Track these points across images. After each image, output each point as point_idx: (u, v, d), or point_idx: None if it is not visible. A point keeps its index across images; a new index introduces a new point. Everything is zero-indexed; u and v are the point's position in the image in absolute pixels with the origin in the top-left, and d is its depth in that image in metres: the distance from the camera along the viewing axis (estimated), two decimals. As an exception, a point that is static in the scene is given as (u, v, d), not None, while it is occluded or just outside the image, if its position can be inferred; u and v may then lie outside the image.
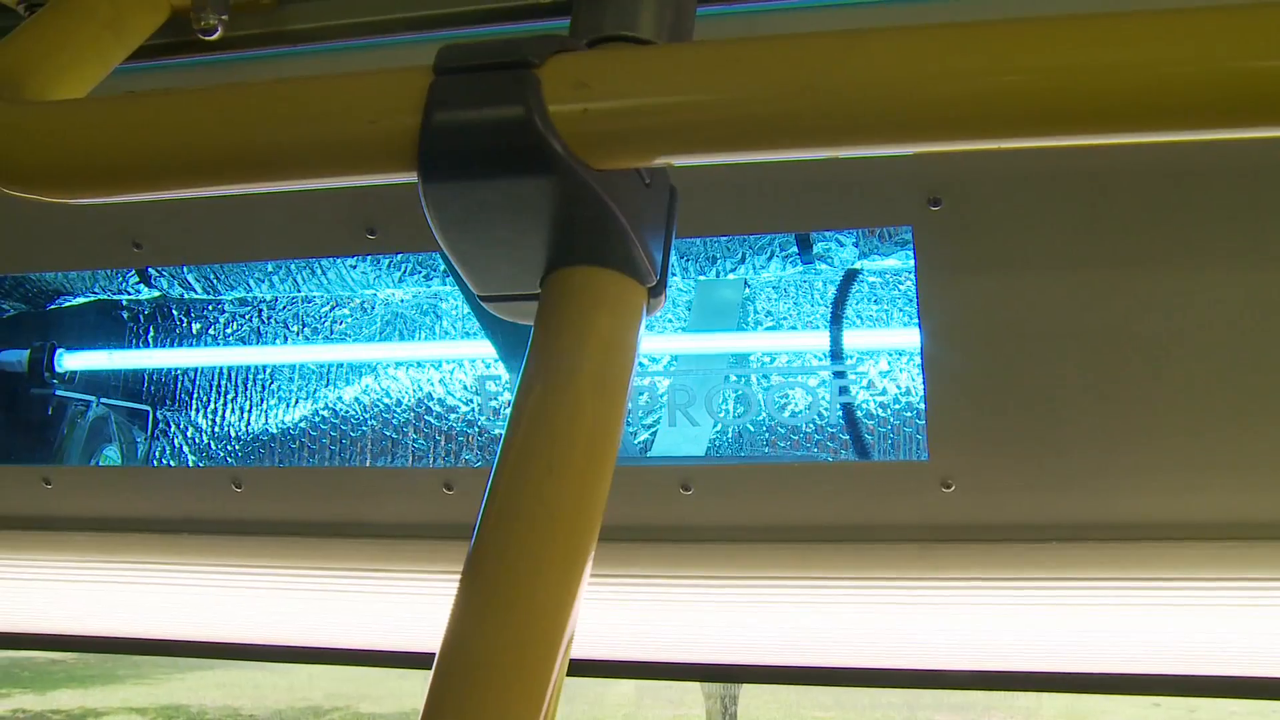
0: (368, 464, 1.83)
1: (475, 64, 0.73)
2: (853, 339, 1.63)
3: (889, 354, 1.65)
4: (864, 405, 1.64)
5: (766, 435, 1.67)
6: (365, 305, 1.87)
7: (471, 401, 1.79)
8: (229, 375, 1.96)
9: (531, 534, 0.70)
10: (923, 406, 1.61)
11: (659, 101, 0.73)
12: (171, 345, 1.99)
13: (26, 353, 1.87)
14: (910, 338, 1.62)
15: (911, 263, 1.48)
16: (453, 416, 1.80)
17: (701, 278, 1.58)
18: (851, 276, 1.63)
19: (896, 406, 1.64)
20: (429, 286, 1.62)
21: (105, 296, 1.81)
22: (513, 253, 0.79)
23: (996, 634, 1.28)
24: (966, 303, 1.14)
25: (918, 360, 1.62)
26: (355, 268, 1.56)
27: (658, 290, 0.82)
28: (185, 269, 1.64)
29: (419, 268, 1.54)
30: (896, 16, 1.07)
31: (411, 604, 1.39)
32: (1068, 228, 1.11)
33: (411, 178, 0.76)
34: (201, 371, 1.98)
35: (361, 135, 0.76)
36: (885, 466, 1.32)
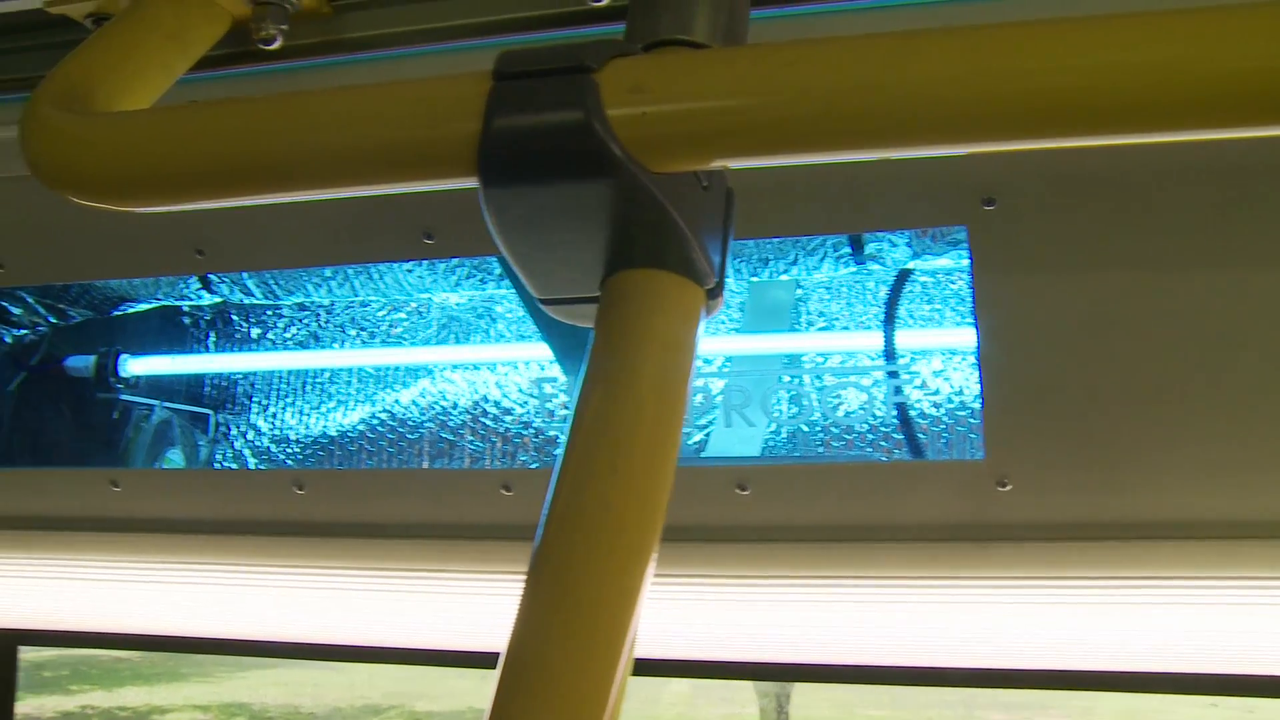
0: (425, 466, 1.84)
1: (534, 69, 0.74)
2: (905, 338, 1.62)
3: (942, 353, 1.64)
4: (917, 405, 1.63)
5: (820, 435, 1.67)
6: (421, 309, 1.88)
7: (527, 404, 1.79)
8: (288, 379, 1.97)
9: (594, 535, 0.70)
10: (976, 405, 1.60)
11: (716, 104, 0.73)
12: (231, 350, 2.01)
13: (93, 358, 1.90)
14: (963, 337, 1.60)
15: (964, 262, 1.47)
16: (508, 419, 1.80)
17: (754, 279, 1.58)
18: (904, 276, 1.62)
19: (950, 405, 1.63)
20: (484, 290, 1.62)
21: (168, 302, 1.83)
22: (572, 256, 0.79)
23: (1053, 632, 1.27)
24: (1022, 301, 1.12)
25: (971, 359, 1.60)
26: (411, 272, 1.57)
27: (716, 292, 0.82)
28: (245, 275, 1.65)
29: (475, 271, 1.55)
30: (950, 17, 1.06)
31: (470, 604, 1.39)
32: (1124, 226, 1.10)
33: (471, 183, 0.76)
34: (261, 375, 1.99)
35: (422, 141, 0.76)
36: (940, 466, 1.31)
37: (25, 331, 1.89)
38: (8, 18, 1.10)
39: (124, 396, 1.93)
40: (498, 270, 1.53)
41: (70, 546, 1.55)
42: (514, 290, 1.57)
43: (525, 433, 1.79)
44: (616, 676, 0.67)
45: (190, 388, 2.02)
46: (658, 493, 0.73)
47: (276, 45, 1.04)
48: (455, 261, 1.51)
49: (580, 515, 0.71)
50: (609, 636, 0.67)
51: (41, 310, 1.84)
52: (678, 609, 1.33)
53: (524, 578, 1.30)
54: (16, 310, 1.84)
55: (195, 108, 0.88)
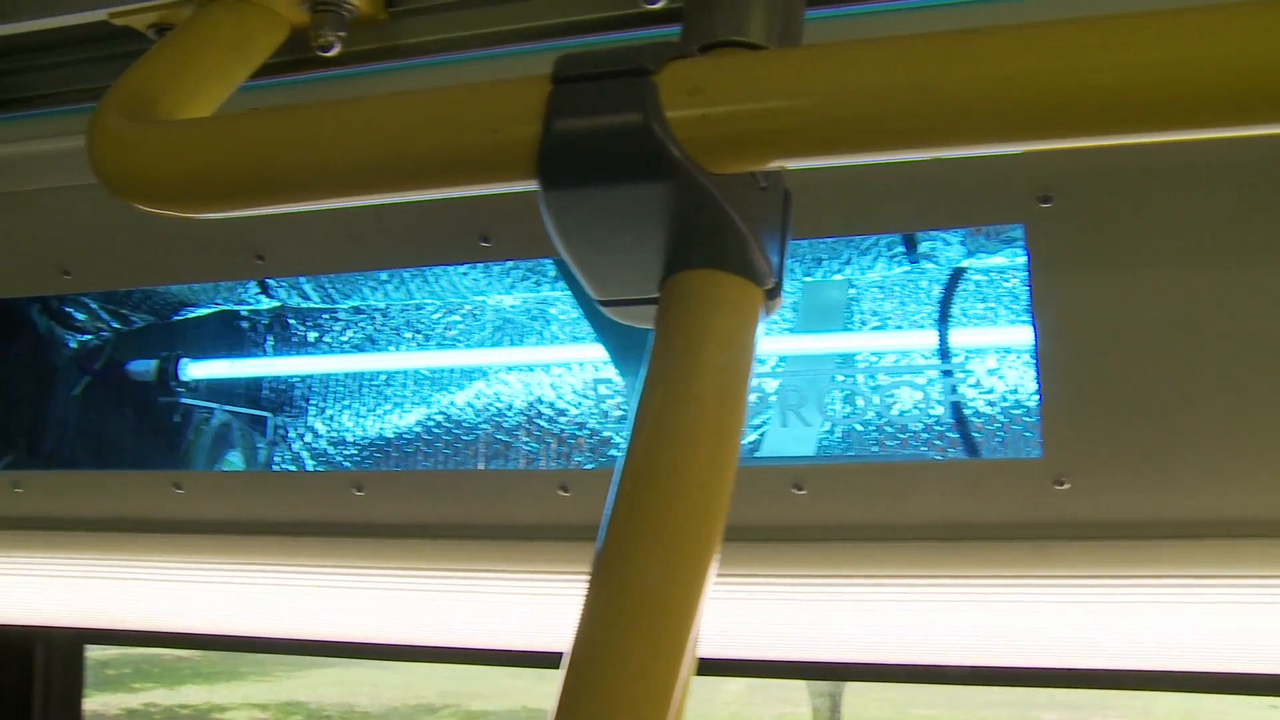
0: (480, 467, 1.85)
1: (593, 72, 0.74)
2: (960, 337, 1.61)
3: (996, 351, 1.63)
4: (972, 403, 1.61)
5: (874, 434, 1.66)
6: (475, 311, 1.89)
7: (582, 405, 1.79)
8: (344, 382, 1.99)
9: (657, 536, 0.70)
10: (1031, 404, 1.59)
11: (774, 105, 0.73)
12: (289, 353, 2.02)
13: (155, 362, 1.92)
14: (1019, 335, 1.59)
15: (1020, 260, 1.46)
16: (563, 420, 1.80)
17: (807, 279, 1.57)
18: (958, 275, 1.61)
19: (1004, 404, 1.61)
20: (538, 292, 1.63)
21: (227, 307, 1.85)
22: (631, 257, 0.79)
23: (1111, 632, 1.25)
24: (1081, 299, 1.11)
25: (1027, 357, 1.59)
26: (466, 275, 1.57)
27: (775, 292, 0.82)
28: (303, 279, 1.66)
29: (529, 274, 1.55)
30: (1004, 15, 1.05)
31: (527, 604, 1.39)
32: (1183, 222, 1.09)
33: (531, 186, 0.76)
34: (317, 378, 2.01)
35: (482, 145, 0.76)
36: (997, 464, 1.29)
37: (89, 337, 1.92)
38: (73, 30, 1.11)
39: (184, 400, 1.96)
40: (552, 272, 1.54)
41: (135, 547, 1.57)
42: (569, 291, 1.57)
43: (580, 433, 1.79)
44: (680, 677, 0.67)
45: (249, 391, 2.04)
46: (719, 493, 0.72)
47: (335, 52, 1.04)
48: (510, 264, 1.51)
49: (643, 516, 0.70)
50: (672, 637, 0.67)
51: (105, 315, 1.86)
52: (734, 608, 1.33)
53: (582, 578, 1.30)
54: (81, 316, 1.87)
55: (256, 115, 0.89)
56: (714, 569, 0.71)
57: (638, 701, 0.65)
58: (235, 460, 2.00)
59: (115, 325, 1.89)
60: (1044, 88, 0.68)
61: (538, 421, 1.82)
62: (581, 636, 0.67)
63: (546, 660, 1.59)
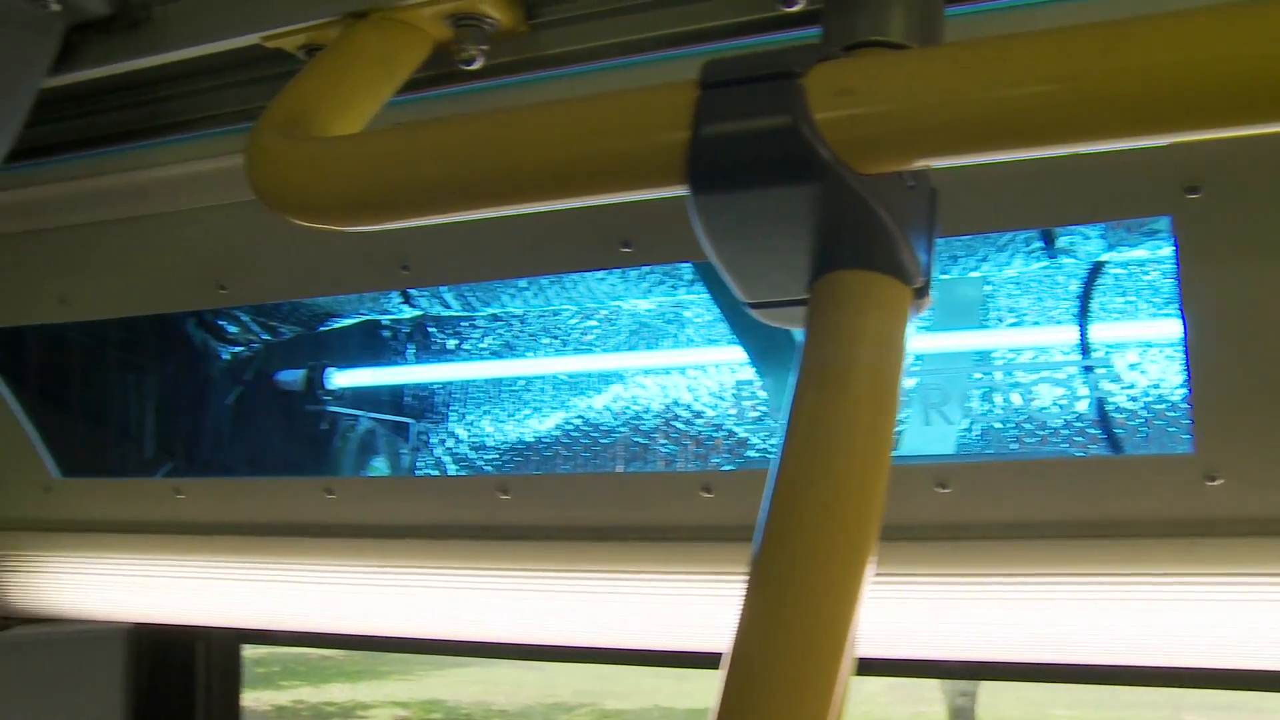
0: (619, 469, 1.85)
1: (741, 76, 0.73)
2: (1100, 332, 1.57)
3: (1138, 346, 1.58)
4: (1113, 398, 1.57)
5: (1013, 431, 1.62)
6: (611, 316, 1.90)
7: (718, 406, 1.79)
8: (484, 387, 2.01)
9: (814, 537, 0.69)
10: (1176, 398, 1.54)
11: (923, 104, 0.72)
12: (430, 361, 2.06)
13: (303, 372, 1.97)
14: (1162, 329, 1.55)
15: (1162, 252, 1.42)
16: (699, 421, 1.80)
17: (944, 276, 1.54)
18: (1098, 269, 1.57)
19: (1147, 399, 1.57)
20: (675, 295, 1.63)
21: (370, 317, 1.89)
22: (781, 259, 0.78)
23: (1268, 631, 1.21)
24: (1231, 291, 1.07)
25: (1169, 351, 1.55)
26: (604, 280, 1.58)
27: (924, 291, 0.81)
28: (444, 288, 1.69)
29: (666, 277, 1.55)
30: (1145, 5, 1.02)
31: (668, 604, 1.39)
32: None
33: (679, 191, 0.76)
34: (458, 385, 2.04)
35: (630, 152, 0.77)
36: (1145, 461, 1.26)
37: (241, 348, 1.97)
38: (227, 54, 1.14)
39: (331, 408, 2.00)
40: (688, 275, 1.54)
41: (289, 551, 1.61)
42: (706, 294, 1.57)
43: (717, 434, 1.79)
44: (840, 676, 0.66)
45: (392, 398, 2.08)
46: (875, 493, 0.72)
47: (478, 65, 1.05)
48: (646, 268, 1.52)
49: (799, 518, 0.70)
50: (833, 637, 0.67)
51: (255, 328, 1.92)
52: (877, 608, 1.31)
53: (726, 579, 1.30)
54: (233, 329, 1.92)
55: (405, 129, 0.91)
56: (871, 568, 0.70)
57: (800, 702, 0.65)
58: (380, 466, 2.04)
59: (265, 337, 1.94)
60: (1200, 76, 0.66)
61: (675, 423, 1.82)
62: (742, 638, 0.67)
63: (687, 660, 1.59)
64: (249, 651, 2.29)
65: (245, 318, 1.91)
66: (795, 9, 0.96)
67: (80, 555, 1.78)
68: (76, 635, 2.11)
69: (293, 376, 1.99)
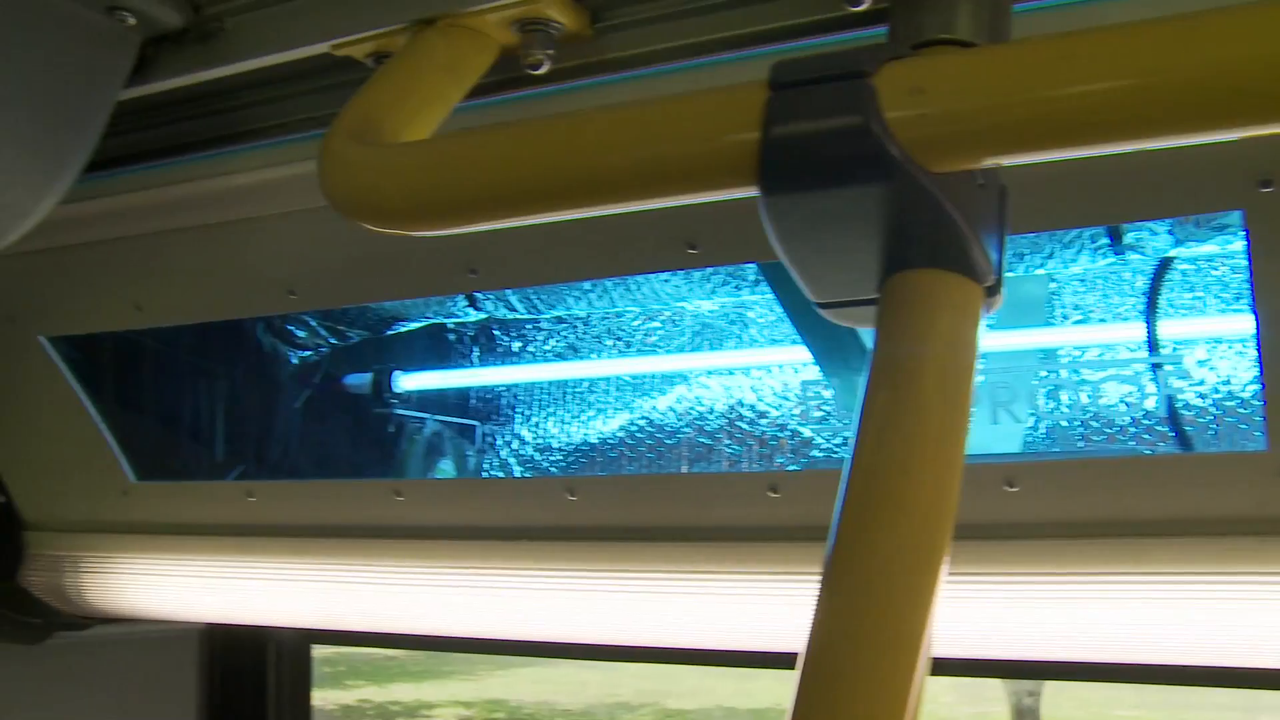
0: (684, 470, 1.85)
1: (811, 77, 0.73)
2: (1168, 328, 1.55)
3: (1207, 342, 1.56)
4: (1182, 395, 1.55)
5: (1079, 429, 1.61)
6: (675, 317, 1.90)
7: (782, 406, 1.78)
8: (548, 389, 2.02)
9: (889, 536, 0.69)
10: (1247, 395, 1.52)
11: (994, 102, 0.71)
12: (495, 363, 2.07)
13: (370, 375, 1.99)
14: (1232, 324, 1.52)
15: (1233, 247, 1.39)
16: (764, 421, 1.80)
17: (1009, 274, 1.53)
18: (1166, 265, 1.55)
19: (1216, 396, 1.55)
20: (738, 296, 1.62)
21: (436, 321, 1.90)
22: (851, 259, 0.78)
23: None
24: (1305, 285, 1.05)
25: (1239, 347, 1.52)
26: (668, 281, 1.58)
27: (995, 289, 0.80)
28: (509, 291, 1.70)
29: (730, 278, 1.55)
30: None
31: (733, 605, 1.39)
32: None
33: (750, 192, 0.76)
34: (522, 387, 2.05)
35: (701, 153, 0.77)
36: (1218, 458, 1.24)
37: (309, 353, 2.00)
38: (297, 63, 1.15)
39: (398, 411, 2.02)
40: (752, 275, 1.53)
41: (359, 552, 1.62)
42: (770, 294, 1.57)
43: (781, 434, 1.78)
44: (917, 677, 0.66)
45: (457, 401, 2.09)
46: (948, 491, 0.71)
47: (544, 70, 1.06)
48: (710, 269, 1.51)
49: (873, 517, 0.70)
50: (908, 636, 0.66)
51: (324, 333, 1.94)
52: (944, 607, 1.30)
53: (792, 578, 1.30)
54: (302, 334, 1.94)
55: (475, 134, 0.91)
56: (946, 567, 0.70)
57: (877, 703, 0.65)
58: (447, 468, 2.05)
59: (333, 341, 1.96)
60: (1276, 69, 0.65)
61: (739, 424, 1.82)
62: (817, 637, 0.67)
63: (753, 660, 1.59)
64: (315, 651, 2.32)
65: (313, 322, 1.93)
66: (861, 9, 0.95)
67: (155, 557, 1.81)
68: (152, 635, 2.15)
69: (360, 380, 2.01)
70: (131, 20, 1.12)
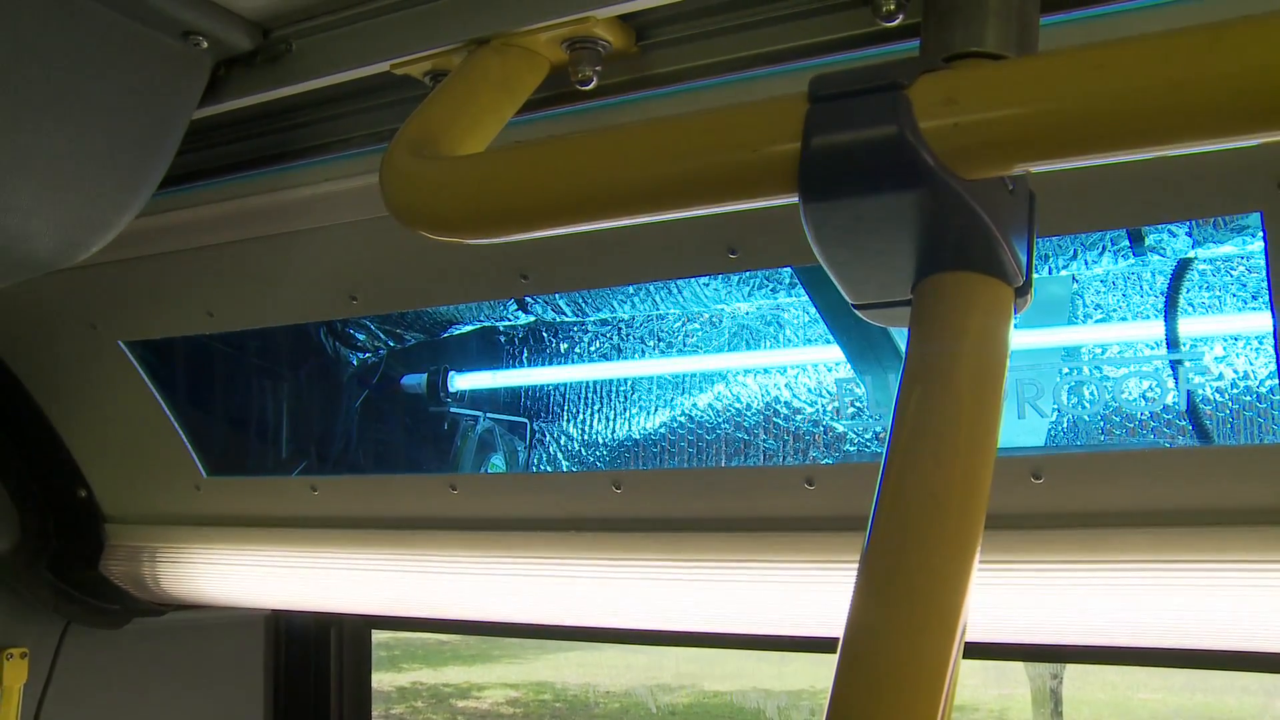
0: (722, 464, 1.86)
1: (849, 90, 0.73)
2: (1187, 326, 1.53)
3: (1224, 340, 1.54)
4: (1200, 391, 1.54)
5: (1101, 424, 1.59)
6: (714, 319, 1.90)
7: (816, 403, 1.78)
8: (594, 388, 2.03)
9: (923, 527, 0.69)
10: (1264, 389, 1.50)
11: (1024, 111, 0.71)
12: (543, 364, 2.08)
13: (425, 376, 2.00)
14: (1250, 322, 1.51)
15: (1252, 247, 1.38)
16: (799, 418, 1.79)
17: (1034, 276, 1.52)
18: (1185, 265, 1.54)
19: (1234, 391, 1.53)
20: (774, 299, 1.62)
21: (487, 324, 1.91)
22: (887, 262, 0.78)
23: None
24: (1323, 284, 1.04)
25: (1256, 344, 1.51)
26: (708, 284, 1.58)
27: (1024, 290, 0.80)
28: (558, 295, 1.70)
29: (766, 281, 1.55)
30: (1231, 10, 0.99)
31: (772, 592, 1.39)
32: None
33: (790, 199, 0.76)
34: (570, 386, 2.05)
35: (744, 163, 0.77)
36: (1236, 451, 1.23)
37: (368, 355, 2.01)
38: (359, 82, 1.16)
39: (453, 409, 2.03)
40: (788, 279, 1.53)
41: (416, 543, 1.63)
42: (805, 296, 1.57)
43: (815, 430, 1.78)
44: (951, 661, 0.66)
45: (508, 399, 2.11)
46: (980, 484, 0.71)
47: (592, 85, 1.06)
48: (748, 272, 1.51)
49: (909, 510, 0.70)
50: (943, 623, 0.66)
51: (382, 336, 1.95)
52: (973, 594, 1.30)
53: (829, 568, 1.29)
54: (361, 336, 1.96)
55: (528, 147, 0.92)
56: (978, 557, 0.70)
57: (914, 687, 0.65)
58: (499, 463, 2.06)
59: (390, 344, 1.98)
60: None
61: (775, 420, 1.82)
62: (855, 624, 0.67)
63: (791, 644, 1.58)
64: (373, 636, 2.34)
65: (373, 326, 1.94)
66: (894, 24, 0.95)
67: (225, 547, 1.83)
68: (223, 621, 2.18)
69: (416, 380, 2.02)
70: (204, 44, 1.14)
